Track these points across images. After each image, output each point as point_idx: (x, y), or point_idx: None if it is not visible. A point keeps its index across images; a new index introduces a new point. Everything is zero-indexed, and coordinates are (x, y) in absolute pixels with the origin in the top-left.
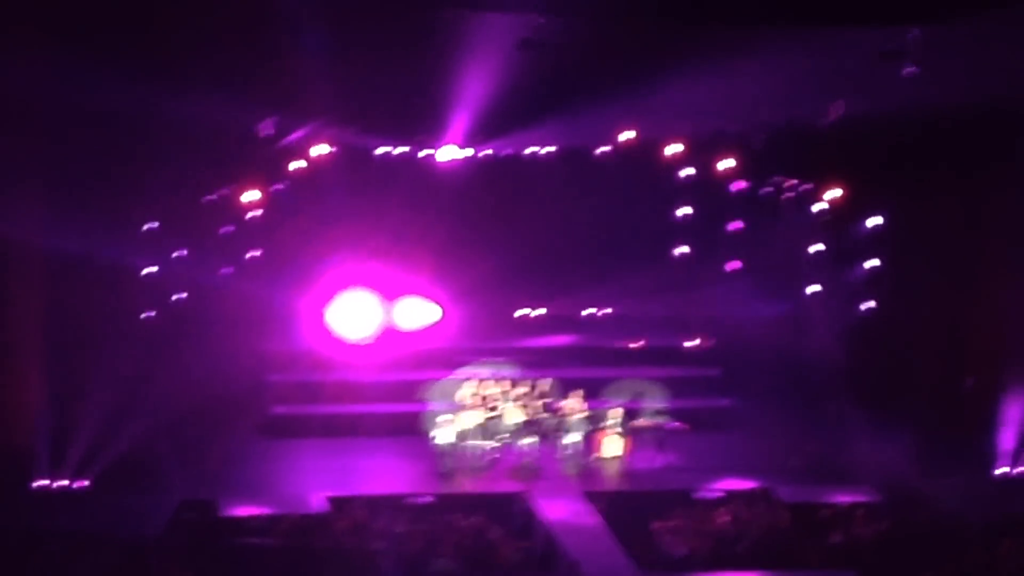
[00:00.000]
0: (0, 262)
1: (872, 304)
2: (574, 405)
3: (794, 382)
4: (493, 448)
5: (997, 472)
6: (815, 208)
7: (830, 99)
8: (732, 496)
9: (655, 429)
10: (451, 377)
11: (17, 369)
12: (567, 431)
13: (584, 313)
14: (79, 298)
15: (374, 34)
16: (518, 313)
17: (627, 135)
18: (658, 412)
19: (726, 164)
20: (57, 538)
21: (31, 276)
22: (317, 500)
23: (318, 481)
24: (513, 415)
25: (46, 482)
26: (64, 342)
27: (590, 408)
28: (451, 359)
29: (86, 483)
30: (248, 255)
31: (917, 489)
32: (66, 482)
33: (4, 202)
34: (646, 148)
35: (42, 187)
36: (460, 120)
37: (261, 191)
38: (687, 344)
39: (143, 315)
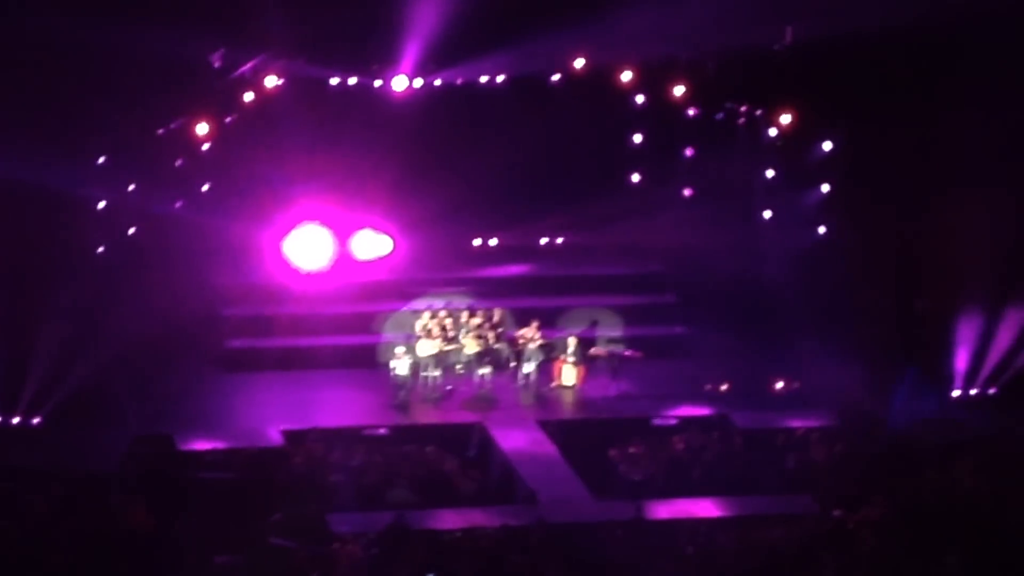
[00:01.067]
0: None
1: (825, 229)
2: (529, 335)
3: (748, 308)
4: (448, 378)
5: (951, 394)
6: (768, 133)
7: (781, 24)
8: (687, 423)
9: (610, 357)
10: (406, 308)
11: None
12: (523, 361)
13: (539, 242)
14: (32, 231)
15: None
16: (473, 243)
17: (579, 62)
18: (613, 340)
19: (679, 90)
20: (11, 473)
21: None
22: (273, 433)
23: (274, 414)
24: (468, 346)
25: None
26: (16, 275)
27: (545, 337)
28: (406, 290)
29: (39, 419)
30: (201, 188)
31: (871, 413)
32: (19, 418)
33: None
34: (598, 75)
35: None
36: (412, 49)
37: (213, 123)
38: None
39: (97, 249)
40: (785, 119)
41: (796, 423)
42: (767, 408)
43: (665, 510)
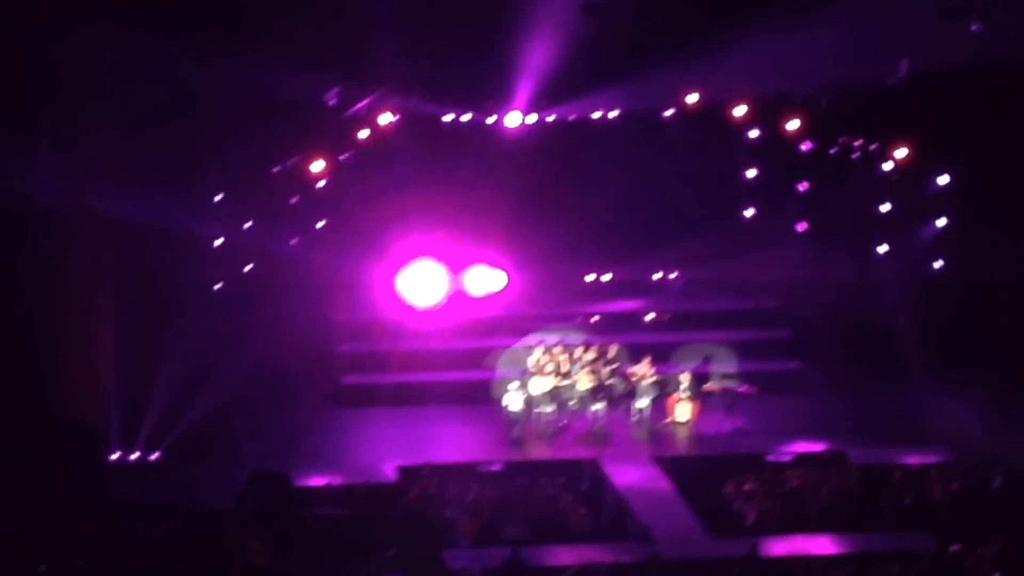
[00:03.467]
0: (73, 232)
1: (941, 263)
2: (643, 370)
3: (864, 343)
4: (562, 414)
5: None
6: (883, 167)
7: (896, 57)
8: (803, 459)
9: (724, 393)
10: (520, 344)
11: (90, 341)
12: (636, 396)
13: (653, 278)
14: (150, 268)
15: (439, 1)
16: (587, 278)
17: (692, 97)
18: (727, 376)
19: (792, 124)
20: (131, 509)
21: (103, 247)
22: (388, 469)
23: (389, 450)
24: (582, 381)
25: (119, 455)
26: (135, 312)
27: (659, 373)
28: (519, 326)
29: (157, 455)
30: (316, 225)
31: (990, 449)
32: (138, 454)
33: (78, 173)
34: (712, 110)
35: (115, 158)
36: (525, 85)
37: (328, 160)
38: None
39: (214, 286)
40: (900, 153)
41: (913, 459)
42: (884, 444)
43: (781, 547)
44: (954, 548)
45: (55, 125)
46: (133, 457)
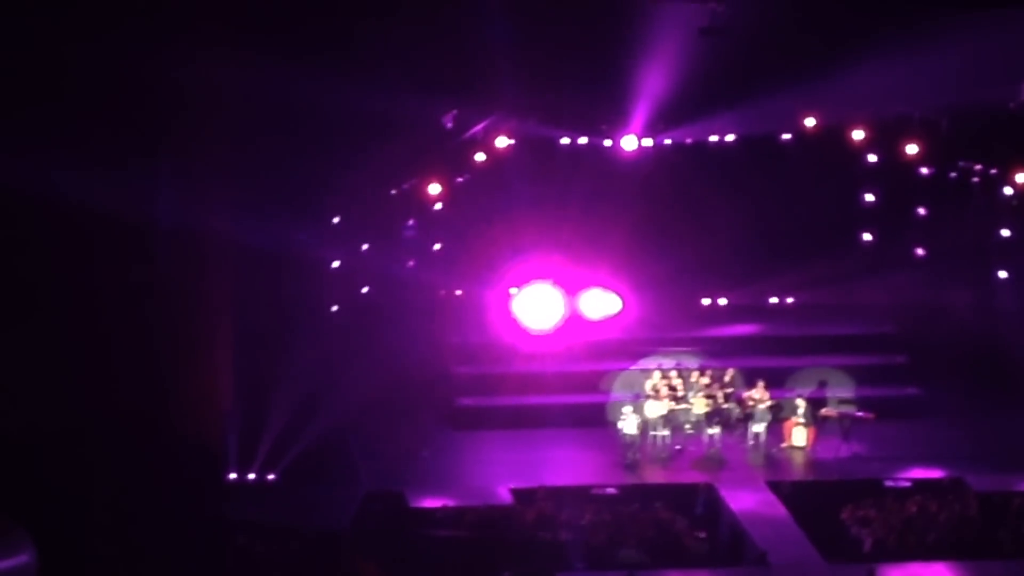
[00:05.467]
0: (194, 255)
1: None
2: (758, 395)
3: (983, 369)
4: (677, 438)
5: None
6: (1003, 192)
7: (1017, 81)
8: (921, 485)
9: (841, 418)
10: (635, 367)
11: (209, 363)
12: (752, 421)
13: (769, 301)
14: (269, 291)
15: (555, 24)
16: (703, 302)
17: (810, 121)
18: (843, 401)
19: (911, 149)
20: (249, 530)
21: (222, 270)
22: (503, 492)
23: (503, 473)
24: (697, 405)
25: (237, 475)
26: (254, 336)
27: (774, 397)
28: (635, 350)
29: (274, 475)
30: (433, 247)
31: None
32: (255, 475)
33: (199, 196)
34: (830, 134)
35: (234, 182)
36: (642, 109)
37: (445, 183)
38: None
39: (331, 308)
40: (1021, 178)
41: None
42: (1004, 471)
43: (897, 574)
44: None
45: (176, 148)
46: (251, 477)
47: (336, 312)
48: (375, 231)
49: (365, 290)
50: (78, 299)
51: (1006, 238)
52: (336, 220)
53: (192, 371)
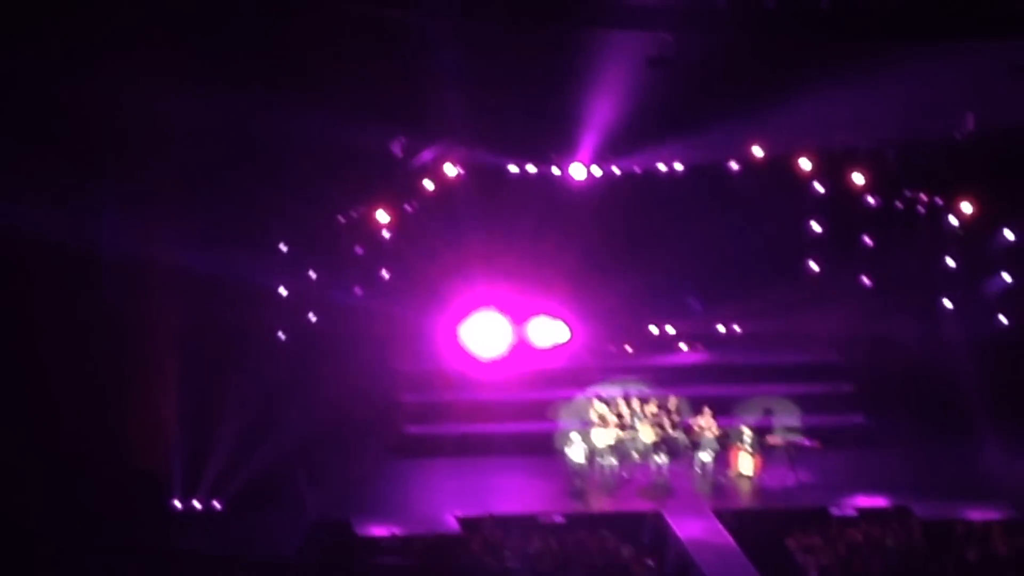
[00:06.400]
0: (138, 283)
1: (1007, 318)
2: (705, 423)
3: (928, 398)
4: (624, 466)
5: None
6: (948, 222)
7: (962, 112)
8: (866, 514)
9: (787, 446)
10: (582, 396)
11: (153, 389)
12: (699, 449)
13: (716, 330)
14: (215, 318)
15: (504, 53)
16: (651, 330)
17: (757, 150)
18: (790, 429)
19: (858, 178)
20: (193, 559)
21: (167, 296)
22: (450, 520)
23: (451, 500)
24: (645, 433)
25: (182, 503)
26: (199, 362)
27: (721, 426)
28: (582, 378)
29: (220, 504)
30: (381, 275)
31: None
32: (200, 503)
33: (144, 223)
34: (777, 163)
35: (179, 208)
36: (590, 138)
37: (393, 211)
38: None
39: (278, 335)
40: (966, 208)
41: (977, 515)
42: (948, 499)
43: None
44: None
45: (122, 176)
46: (196, 505)
47: (283, 340)
48: (323, 259)
49: (312, 318)
50: (22, 328)
51: (951, 268)
52: (283, 247)
53: (137, 399)
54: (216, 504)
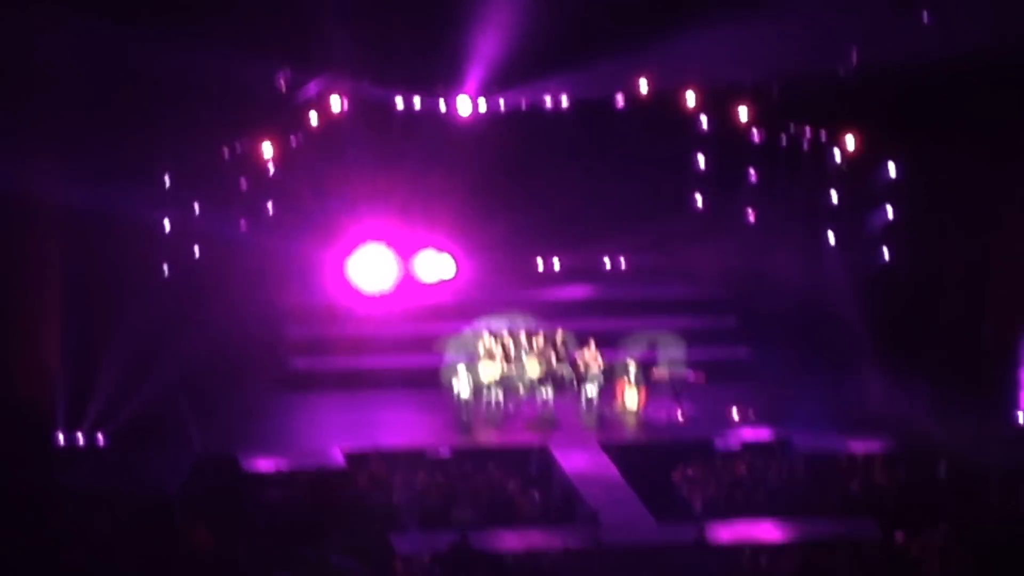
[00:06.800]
0: (19, 219)
1: (889, 253)
2: (591, 357)
3: (811, 332)
4: (511, 400)
5: (1016, 419)
6: (832, 157)
7: (847, 47)
8: (749, 446)
9: (672, 380)
10: (469, 330)
11: (36, 325)
12: (584, 383)
13: (602, 265)
14: (99, 254)
15: None
16: (537, 265)
17: (643, 85)
18: (675, 363)
19: (743, 113)
20: (77, 494)
21: (50, 232)
22: (336, 454)
23: (337, 435)
24: (531, 367)
25: (65, 438)
26: (83, 297)
27: (607, 360)
28: (469, 312)
29: (104, 439)
30: (266, 209)
31: (935, 438)
32: (85, 438)
33: (24, 160)
34: (663, 98)
35: (61, 144)
36: (476, 71)
37: (278, 144)
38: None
39: (162, 270)
40: (850, 143)
41: (859, 447)
42: (830, 432)
43: (727, 533)
44: (899, 536)
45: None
46: (80, 440)
47: (167, 274)
48: (207, 192)
49: (197, 252)
50: None
51: (835, 203)
52: (167, 181)
53: (19, 333)
54: (100, 439)
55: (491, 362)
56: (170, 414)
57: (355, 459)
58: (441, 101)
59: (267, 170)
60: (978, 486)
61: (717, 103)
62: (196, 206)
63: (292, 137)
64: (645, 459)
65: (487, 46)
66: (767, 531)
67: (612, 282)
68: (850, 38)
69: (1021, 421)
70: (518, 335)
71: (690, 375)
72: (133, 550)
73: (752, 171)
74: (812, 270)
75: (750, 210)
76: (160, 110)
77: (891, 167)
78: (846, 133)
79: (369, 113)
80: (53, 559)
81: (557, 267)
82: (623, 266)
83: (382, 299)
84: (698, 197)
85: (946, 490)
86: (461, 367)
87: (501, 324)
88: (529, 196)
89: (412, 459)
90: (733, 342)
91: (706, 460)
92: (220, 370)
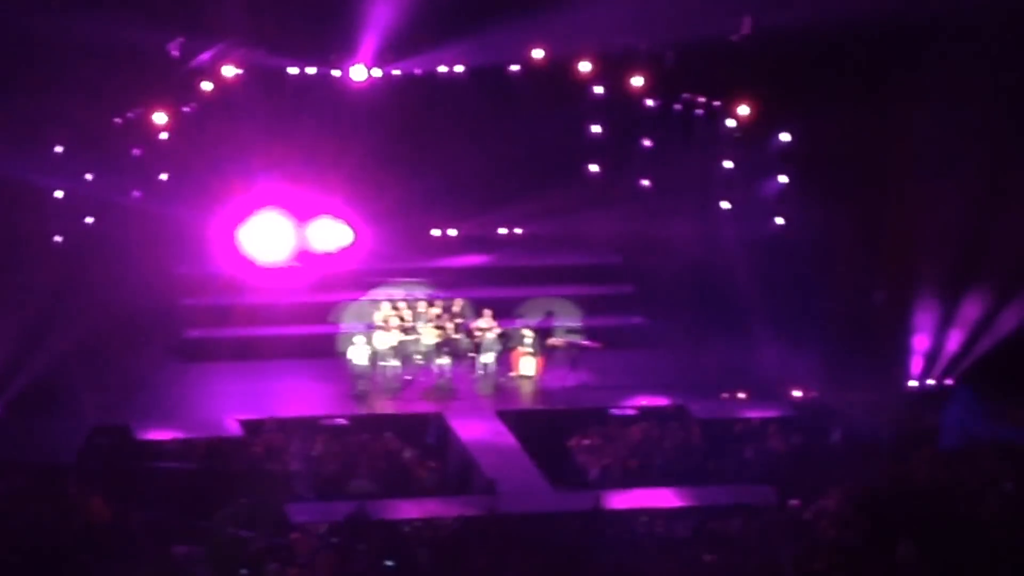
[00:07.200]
0: None
1: (782, 220)
2: (487, 325)
3: (706, 299)
4: (407, 368)
5: (908, 385)
6: (726, 124)
7: (739, 14)
8: (645, 413)
9: (568, 348)
10: (364, 298)
11: None
12: (481, 351)
13: (497, 232)
14: None
15: None
16: (432, 233)
17: (538, 52)
18: (571, 331)
19: (637, 81)
20: None
21: None
22: (231, 423)
23: (232, 404)
24: (427, 336)
25: None
26: None
27: (503, 328)
28: (364, 280)
29: None
30: (159, 177)
31: (829, 404)
32: None
33: None
34: (557, 65)
35: None
36: (370, 39)
37: (172, 112)
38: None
39: (54, 238)
40: (743, 110)
41: (753, 414)
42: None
43: (623, 500)
44: (794, 501)
45: None
46: None
47: (60, 242)
48: (99, 161)
49: (89, 220)
50: None
51: (728, 170)
52: (59, 149)
53: None
54: None
55: (387, 331)
56: (64, 384)
57: (251, 428)
58: (336, 70)
59: (160, 138)
60: (871, 451)
61: (611, 70)
62: (89, 174)
63: (185, 105)
64: (541, 427)
65: (381, 15)
66: (663, 498)
67: (508, 250)
68: (742, 5)
69: (913, 386)
70: (415, 304)
71: (586, 343)
72: (25, 520)
73: (646, 139)
74: (707, 237)
75: (645, 177)
76: (52, 77)
77: (784, 134)
78: (739, 100)
79: (263, 81)
80: None
81: (454, 235)
82: (519, 233)
83: (277, 268)
84: (593, 165)
85: (840, 456)
86: (358, 336)
87: (398, 292)
88: (425, 164)
89: (308, 427)
90: (629, 309)
91: (602, 427)
92: (114, 340)
